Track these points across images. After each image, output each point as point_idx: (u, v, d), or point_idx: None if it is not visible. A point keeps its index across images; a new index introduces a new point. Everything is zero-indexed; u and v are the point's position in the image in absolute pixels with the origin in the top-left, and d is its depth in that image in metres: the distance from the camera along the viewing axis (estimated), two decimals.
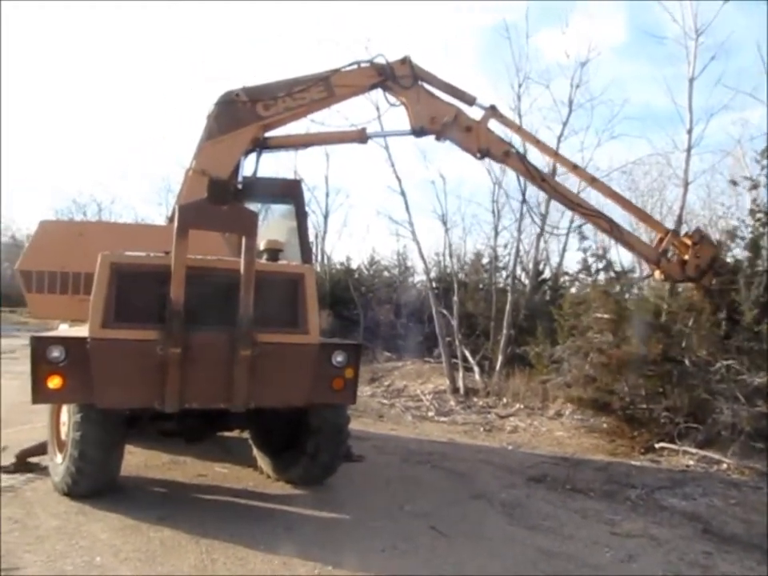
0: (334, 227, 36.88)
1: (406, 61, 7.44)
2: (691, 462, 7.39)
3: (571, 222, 13.77)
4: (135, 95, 54.73)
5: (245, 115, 6.99)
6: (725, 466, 7.14)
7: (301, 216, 7.45)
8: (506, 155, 7.78)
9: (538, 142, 8.32)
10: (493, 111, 7.78)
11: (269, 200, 7.83)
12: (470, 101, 7.76)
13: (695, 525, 5.35)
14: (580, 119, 19.51)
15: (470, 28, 38.31)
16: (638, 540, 4.95)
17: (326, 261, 22.08)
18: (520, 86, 13.82)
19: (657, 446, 7.95)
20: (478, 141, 7.63)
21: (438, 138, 7.71)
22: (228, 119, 6.94)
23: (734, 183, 10.34)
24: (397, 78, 7.41)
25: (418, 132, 7.59)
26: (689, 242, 7.77)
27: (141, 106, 54.82)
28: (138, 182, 67.83)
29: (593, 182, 8.16)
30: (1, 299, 28.47)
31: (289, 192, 7.53)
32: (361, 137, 7.75)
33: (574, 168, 8.30)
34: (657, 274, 8.16)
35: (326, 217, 24.69)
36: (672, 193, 16.51)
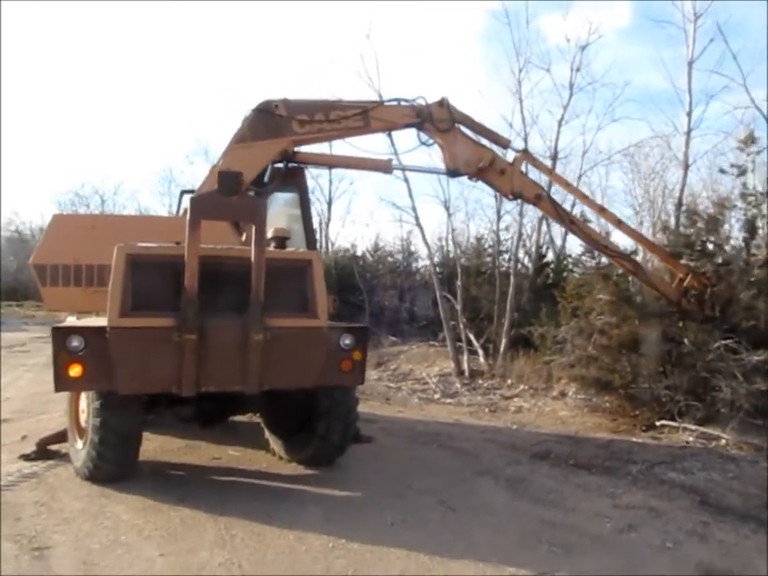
0: (337, 214, 37.02)
1: (443, 104, 7.42)
2: (691, 439, 7.56)
3: None
4: (138, 85, 54.64)
5: (279, 127, 7.00)
6: (723, 441, 7.31)
7: (304, 203, 7.57)
8: (538, 198, 7.80)
9: (568, 185, 8.42)
10: (525, 154, 7.89)
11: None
12: (505, 144, 7.83)
13: (693, 497, 5.51)
14: (581, 102, 19.50)
15: (470, 12, 38.16)
16: (638, 511, 5.13)
17: (330, 247, 22.22)
18: (521, 70, 13.88)
19: (657, 423, 8.12)
20: (512, 183, 7.64)
21: (471, 179, 7.78)
22: (262, 127, 6.96)
23: (722, 171, 10.43)
24: (434, 120, 7.40)
25: (452, 173, 7.67)
26: (707, 282, 7.86)
27: (144, 95, 54.75)
28: (141, 173, 67.87)
29: (618, 224, 8.09)
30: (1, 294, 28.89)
31: (292, 180, 7.63)
32: (386, 167, 7.79)
33: (601, 210, 8.31)
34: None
35: (329, 204, 24.81)
36: (674, 175, 16.52)
